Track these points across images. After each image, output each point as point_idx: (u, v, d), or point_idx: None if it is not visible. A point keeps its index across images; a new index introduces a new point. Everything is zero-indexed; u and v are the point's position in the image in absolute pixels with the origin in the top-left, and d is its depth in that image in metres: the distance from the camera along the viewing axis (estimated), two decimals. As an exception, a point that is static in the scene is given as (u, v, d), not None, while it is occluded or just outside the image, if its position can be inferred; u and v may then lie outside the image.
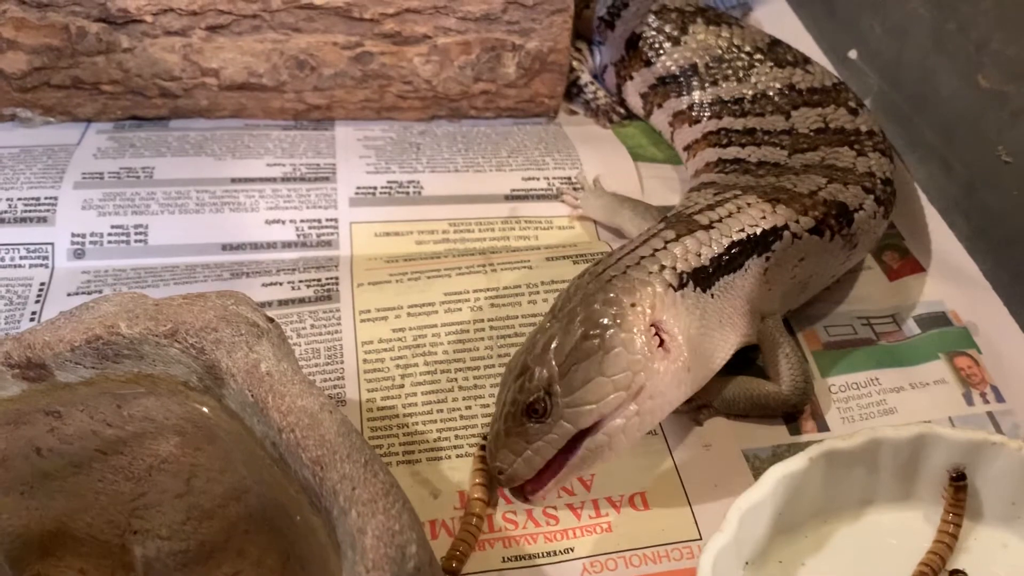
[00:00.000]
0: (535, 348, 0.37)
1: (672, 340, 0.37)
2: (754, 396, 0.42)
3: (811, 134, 0.49)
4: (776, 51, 0.55)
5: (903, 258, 0.51)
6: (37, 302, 0.46)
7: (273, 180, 0.51)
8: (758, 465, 0.41)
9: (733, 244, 0.40)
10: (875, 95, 0.57)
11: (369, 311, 0.45)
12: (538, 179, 0.54)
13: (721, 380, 0.42)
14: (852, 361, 0.45)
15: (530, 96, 0.58)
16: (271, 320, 0.36)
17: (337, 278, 0.47)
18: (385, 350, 0.44)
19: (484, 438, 0.40)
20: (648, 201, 0.51)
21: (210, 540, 0.34)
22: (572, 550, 0.38)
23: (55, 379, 0.34)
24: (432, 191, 0.52)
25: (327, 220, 0.50)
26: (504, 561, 0.38)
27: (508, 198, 0.53)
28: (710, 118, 0.54)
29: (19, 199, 0.48)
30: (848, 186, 0.44)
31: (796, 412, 0.43)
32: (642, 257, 0.39)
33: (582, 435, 0.36)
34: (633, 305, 0.37)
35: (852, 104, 0.51)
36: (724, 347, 0.40)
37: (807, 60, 0.55)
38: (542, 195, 0.53)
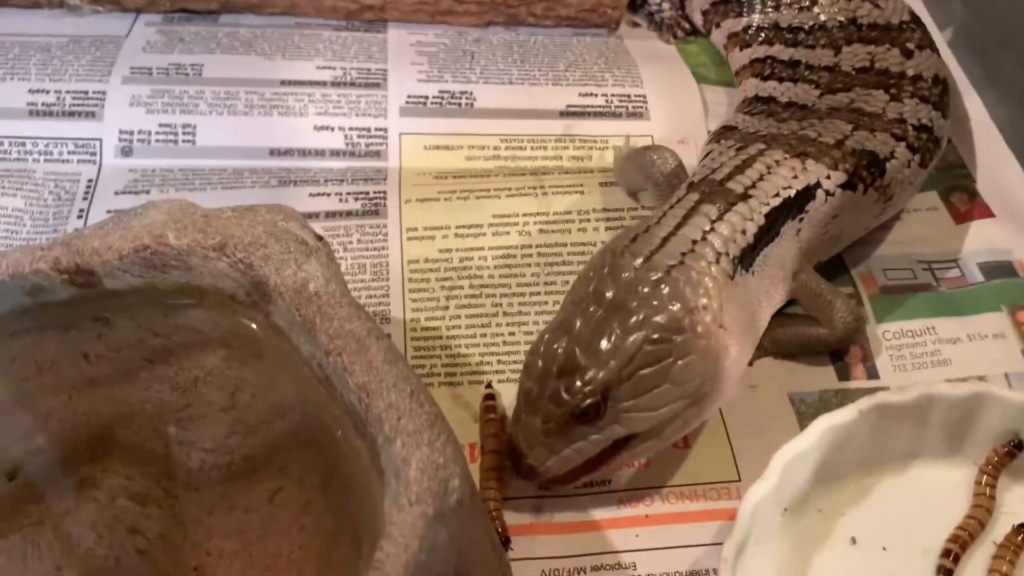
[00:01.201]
0: (586, 342, 0.34)
1: (731, 335, 0.35)
2: (805, 338, 0.41)
3: (852, 72, 0.47)
4: None
5: (972, 200, 0.48)
6: (85, 199, 0.46)
7: (323, 84, 0.50)
8: (803, 409, 0.41)
9: (772, 212, 0.38)
10: (958, 25, 0.54)
11: (416, 229, 0.45)
12: (596, 95, 0.52)
13: (777, 331, 0.41)
14: (909, 307, 0.44)
15: (592, 5, 0.55)
16: (320, 238, 0.35)
17: (385, 192, 0.46)
18: (431, 270, 0.43)
19: (489, 398, 0.39)
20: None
21: (253, 455, 0.34)
22: (609, 482, 0.38)
23: (103, 286, 0.34)
24: (485, 104, 0.51)
25: (376, 129, 0.49)
26: (542, 488, 0.38)
27: (563, 114, 0.51)
28: (761, 43, 0.51)
29: (68, 92, 0.48)
30: (875, 133, 0.42)
31: (845, 351, 0.42)
32: (694, 241, 0.36)
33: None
34: (704, 307, 0.34)
35: (911, 46, 0.48)
36: (765, 318, 0.39)
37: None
38: (599, 112, 0.51)
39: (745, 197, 0.38)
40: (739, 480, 0.38)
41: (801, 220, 0.39)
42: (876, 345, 0.43)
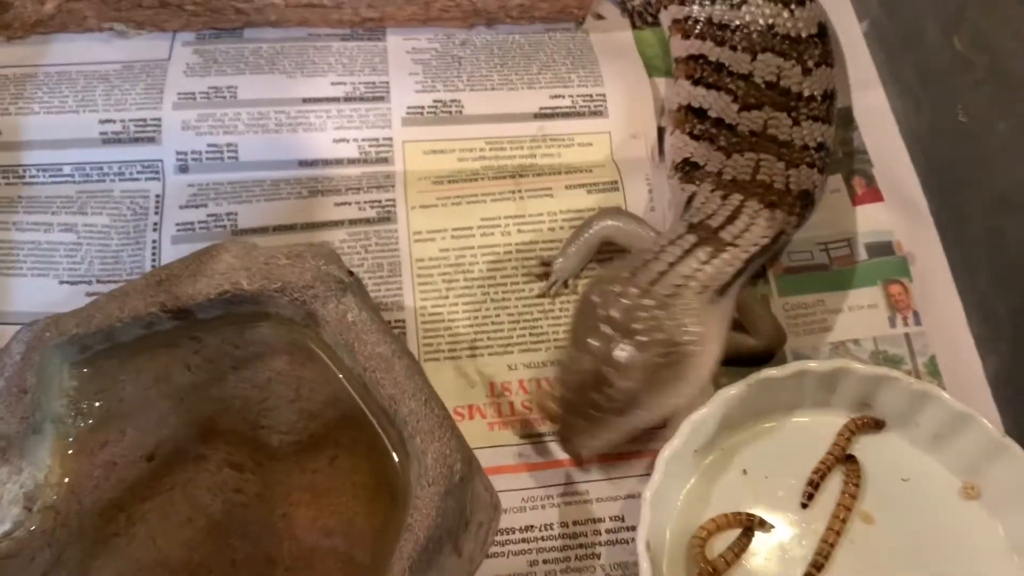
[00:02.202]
0: (610, 360, 0.45)
1: (711, 345, 0.47)
2: (742, 350, 0.53)
3: (763, 87, 0.56)
4: None
5: (869, 185, 0.60)
6: (156, 212, 0.57)
7: (337, 100, 0.60)
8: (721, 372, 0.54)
9: (750, 258, 0.50)
10: (872, 19, 0.63)
11: (420, 232, 0.56)
12: (563, 97, 0.62)
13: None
14: (805, 284, 0.56)
15: (561, 7, 0.64)
16: (351, 273, 0.47)
17: (394, 200, 0.57)
18: (433, 267, 0.56)
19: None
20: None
21: (316, 433, 0.47)
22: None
23: (195, 317, 0.46)
24: (471, 110, 0.61)
25: (383, 139, 0.60)
26: (521, 439, 0.52)
27: (536, 116, 0.61)
28: (696, 36, 0.59)
29: (130, 120, 0.58)
30: (800, 167, 0.53)
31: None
32: (686, 277, 0.47)
33: None
34: (694, 327, 0.46)
35: (810, 64, 0.56)
36: (729, 323, 0.51)
37: (803, 1, 0.59)
38: (567, 113, 0.62)
39: (733, 245, 0.49)
40: (663, 427, 0.52)
41: (763, 258, 0.51)
42: (779, 314, 0.55)
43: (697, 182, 0.54)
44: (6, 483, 0.42)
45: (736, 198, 0.52)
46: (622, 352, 0.45)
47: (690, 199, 0.53)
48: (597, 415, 0.46)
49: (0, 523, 0.42)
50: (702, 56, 0.59)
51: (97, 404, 0.46)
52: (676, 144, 0.56)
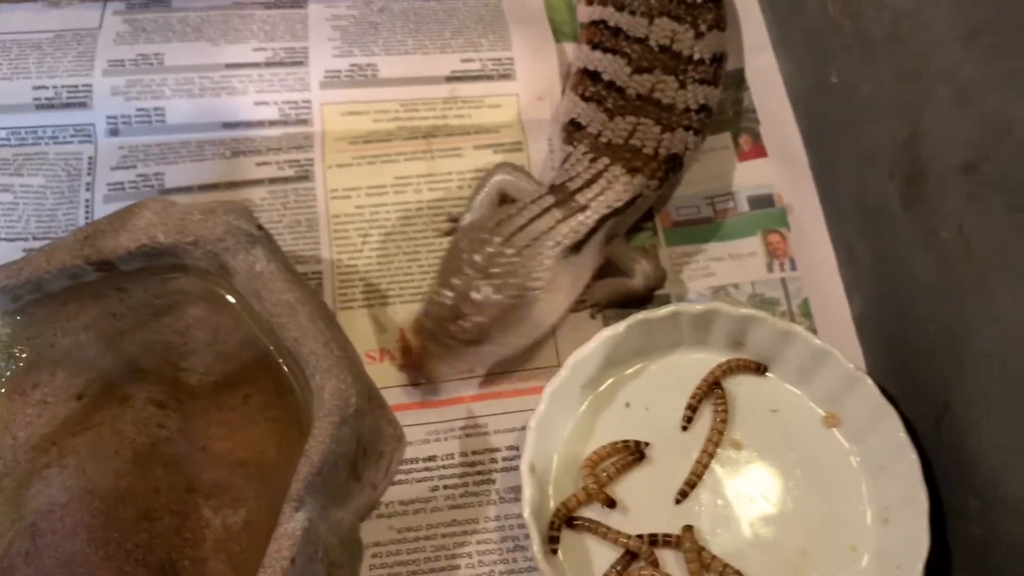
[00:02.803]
0: (467, 298, 0.51)
1: (557, 295, 0.53)
2: (622, 293, 0.58)
3: (656, 51, 0.60)
4: None
5: (755, 143, 0.64)
6: (89, 174, 0.61)
7: (258, 65, 0.64)
8: (608, 314, 0.59)
9: (602, 218, 0.55)
10: (764, -17, 0.67)
11: (337, 190, 0.61)
12: (474, 61, 0.66)
13: (598, 285, 0.58)
14: (691, 235, 0.61)
15: (474, -26, 0.68)
16: (261, 228, 0.51)
17: (312, 160, 0.62)
18: (349, 222, 0.60)
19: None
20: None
21: (231, 374, 0.52)
22: (472, 370, 0.57)
23: (118, 268, 0.51)
24: (386, 74, 0.65)
25: (302, 102, 0.64)
26: (426, 383, 0.57)
27: (448, 79, 0.65)
28: (599, 3, 0.63)
29: (63, 86, 0.62)
30: (675, 131, 0.57)
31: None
32: (542, 232, 0.53)
33: None
34: (543, 277, 0.52)
35: (703, 28, 0.60)
36: (587, 277, 0.56)
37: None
38: (477, 76, 0.66)
39: (585, 208, 0.54)
40: (559, 366, 0.57)
41: (619, 217, 0.56)
42: (666, 263, 0.60)
43: (575, 143, 0.58)
44: (-58, 419, 0.47)
45: (603, 162, 0.56)
46: (479, 292, 0.51)
47: (565, 160, 0.58)
48: (452, 344, 0.52)
49: (-62, 454, 0.47)
50: (603, 21, 0.63)
51: (29, 349, 0.50)
52: (567, 105, 0.60)
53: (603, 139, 0.58)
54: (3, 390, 0.49)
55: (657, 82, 0.59)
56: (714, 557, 0.51)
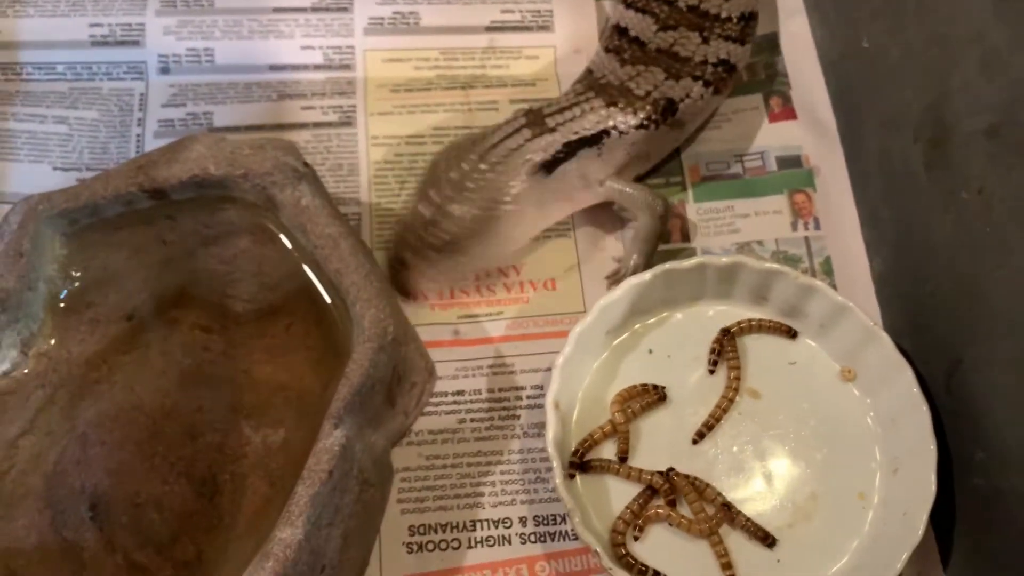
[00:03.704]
0: (442, 209, 0.54)
1: (525, 211, 0.56)
2: (642, 238, 0.59)
3: (684, 10, 0.61)
4: None
5: (785, 105, 0.65)
6: (140, 110, 0.63)
7: (304, 10, 0.66)
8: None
9: (569, 143, 0.56)
10: (802, -52, 0.68)
11: (377, 137, 0.63)
12: (514, 12, 0.68)
13: (625, 251, 0.60)
14: (718, 191, 0.63)
15: (517, -71, 0.69)
16: (307, 165, 0.54)
17: (355, 106, 0.64)
18: (388, 169, 0.62)
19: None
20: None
21: (274, 303, 0.54)
22: (502, 313, 0.59)
23: (171, 198, 0.53)
24: (428, 22, 0.67)
25: (346, 47, 0.66)
26: (459, 318, 0.59)
27: (488, 29, 0.67)
28: None
29: (117, 24, 0.64)
30: (681, 80, 0.58)
31: (665, 220, 0.60)
32: (512, 150, 0.55)
33: None
34: (511, 191, 0.55)
35: None
36: (565, 208, 0.59)
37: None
38: (516, 27, 0.67)
39: (553, 131, 0.56)
40: (584, 311, 0.59)
41: (598, 150, 0.57)
42: (693, 218, 0.62)
43: (579, 84, 0.60)
44: (5, 329, 0.50)
45: (587, 95, 0.58)
46: (454, 204, 0.54)
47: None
48: (428, 253, 0.55)
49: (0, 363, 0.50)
50: None
51: (84, 270, 0.53)
52: (592, 58, 0.62)
53: (602, 81, 0.59)
54: (61, 306, 0.52)
55: (680, 37, 0.60)
56: (707, 485, 0.53)
